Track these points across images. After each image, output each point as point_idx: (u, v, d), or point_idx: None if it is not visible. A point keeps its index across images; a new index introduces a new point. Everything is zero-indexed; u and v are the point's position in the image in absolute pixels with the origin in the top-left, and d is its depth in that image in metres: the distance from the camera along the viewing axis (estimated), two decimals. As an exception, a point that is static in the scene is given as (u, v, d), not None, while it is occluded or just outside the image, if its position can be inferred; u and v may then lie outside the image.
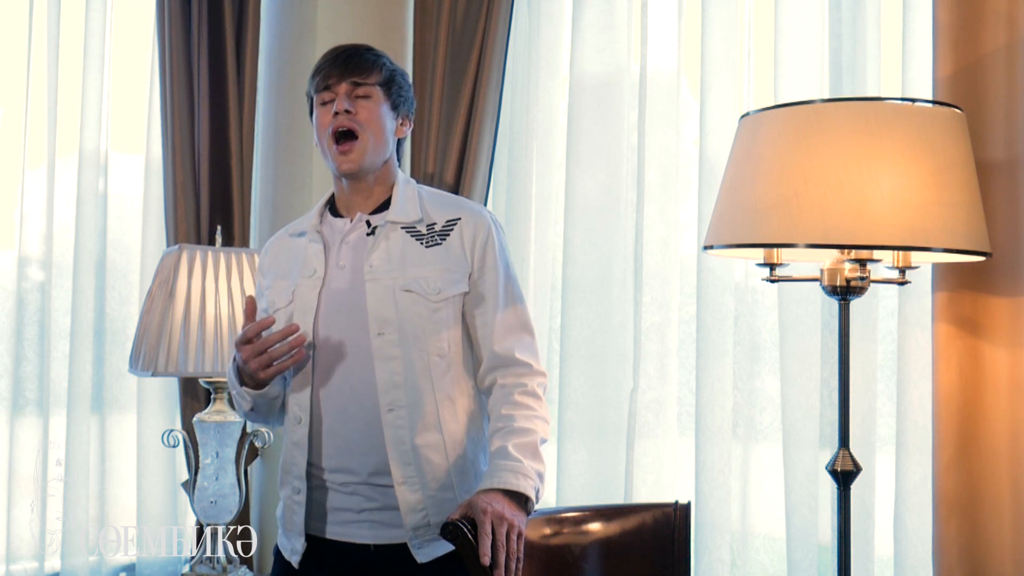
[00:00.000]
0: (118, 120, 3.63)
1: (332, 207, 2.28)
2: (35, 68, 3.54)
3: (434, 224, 2.20)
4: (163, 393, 3.55)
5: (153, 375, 2.93)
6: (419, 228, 2.19)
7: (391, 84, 2.23)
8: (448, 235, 2.18)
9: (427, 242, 2.18)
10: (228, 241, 3.50)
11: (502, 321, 2.17)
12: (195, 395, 3.44)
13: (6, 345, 3.56)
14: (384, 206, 2.22)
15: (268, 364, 2.10)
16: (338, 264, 2.19)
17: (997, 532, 2.33)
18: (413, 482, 2.11)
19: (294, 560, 2.21)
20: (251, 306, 2.14)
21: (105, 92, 3.56)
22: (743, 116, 2.26)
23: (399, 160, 2.30)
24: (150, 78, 3.59)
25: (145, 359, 2.92)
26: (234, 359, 2.18)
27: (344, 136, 2.17)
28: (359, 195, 2.23)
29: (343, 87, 2.18)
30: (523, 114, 3.32)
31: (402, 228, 2.19)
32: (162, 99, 3.50)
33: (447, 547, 2.09)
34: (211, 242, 3.42)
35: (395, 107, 2.24)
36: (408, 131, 2.29)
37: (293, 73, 3.52)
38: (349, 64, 2.20)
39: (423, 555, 2.12)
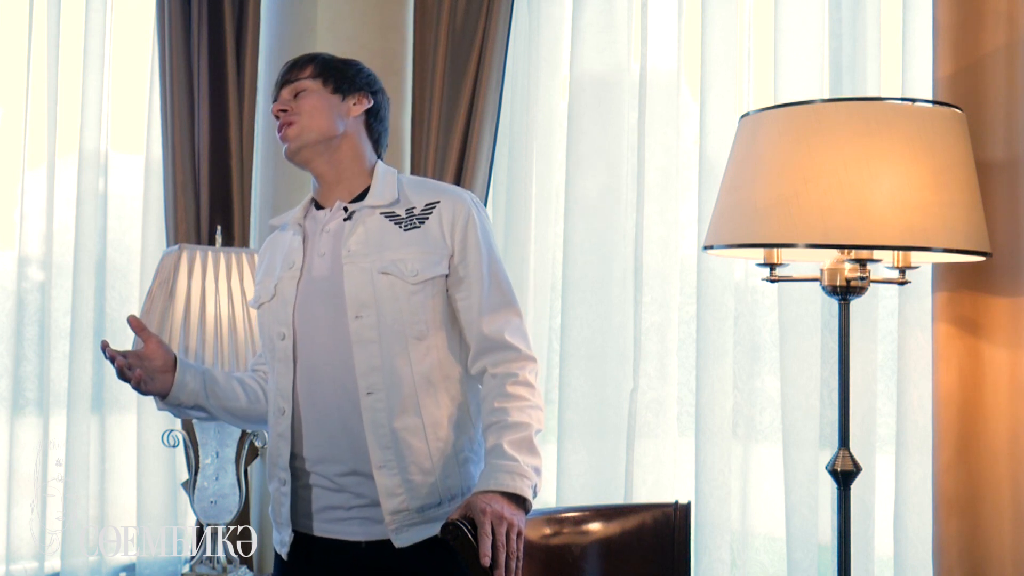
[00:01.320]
0: (118, 120, 3.64)
1: (317, 202, 2.30)
2: (35, 68, 3.54)
3: (413, 208, 2.20)
4: (163, 393, 3.54)
5: (153, 375, 2.92)
6: (397, 212, 2.20)
7: (326, 71, 2.26)
8: (427, 218, 2.18)
9: (405, 225, 2.18)
10: (228, 241, 3.50)
11: (488, 302, 2.16)
12: (195, 395, 3.44)
13: (6, 345, 3.56)
14: (363, 196, 2.24)
15: (124, 378, 2.16)
16: (318, 252, 2.21)
17: (997, 532, 2.32)
18: (391, 466, 2.11)
19: (283, 552, 2.23)
20: (134, 323, 2.21)
21: (105, 92, 3.56)
22: (743, 116, 2.26)
23: (380, 148, 2.30)
24: (150, 78, 3.59)
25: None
26: None
27: (286, 127, 2.22)
28: (327, 182, 2.25)
29: (283, 92, 2.25)
30: (523, 114, 3.32)
31: (380, 212, 2.19)
32: (162, 99, 3.50)
33: (427, 532, 2.09)
34: (211, 242, 3.42)
35: (337, 89, 2.25)
36: (369, 105, 2.28)
37: (293, 73, 3.52)
38: (283, 72, 2.28)
39: (401, 540, 2.11)
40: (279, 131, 2.23)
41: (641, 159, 3.06)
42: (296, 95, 2.23)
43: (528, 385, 2.14)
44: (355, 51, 3.50)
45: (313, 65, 2.26)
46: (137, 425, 3.54)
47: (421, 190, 2.24)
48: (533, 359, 2.17)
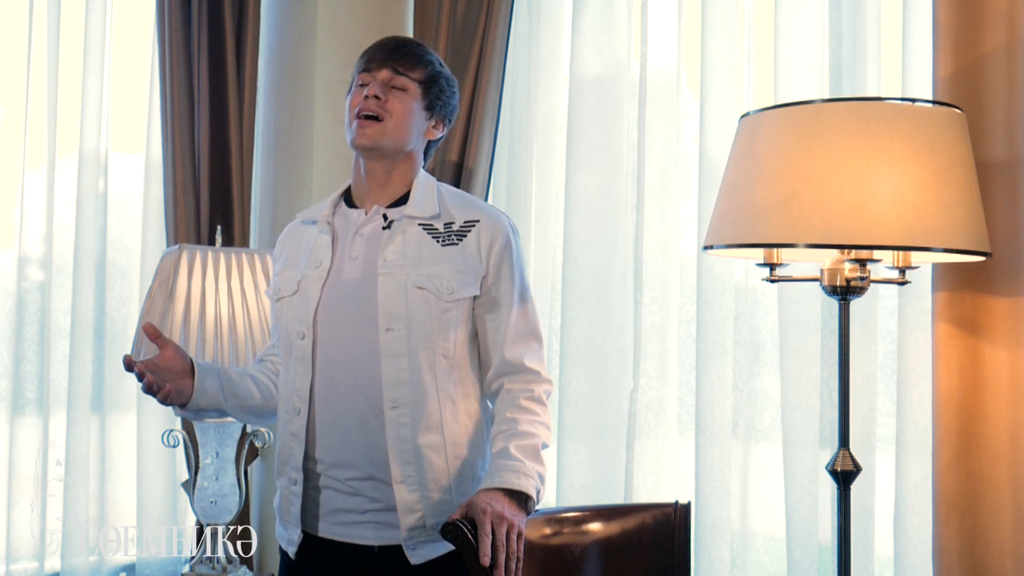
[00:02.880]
0: (118, 120, 3.64)
1: (347, 198, 2.28)
2: (35, 68, 3.55)
3: (452, 223, 2.19)
4: (163, 393, 3.54)
5: (153, 375, 2.93)
6: (436, 225, 2.18)
7: (431, 84, 2.22)
8: (465, 236, 2.18)
9: (443, 240, 2.17)
10: (228, 241, 3.50)
11: (514, 328, 2.18)
12: (195, 395, 3.44)
13: (6, 345, 3.56)
14: (401, 201, 2.22)
15: (152, 392, 2.12)
16: (350, 255, 2.18)
17: (997, 532, 2.32)
18: (412, 482, 2.11)
19: (291, 550, 2.22)
20: (150, 331, 2.15)
21: (105, 92, 3.56)
22: (743, 116, 2.25)
23: (426, 161, 2.30)
24: (150, 78, 3.60)
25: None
26: None
27: (368, 118, 2.17)
28: (375, 182, 2.22)
29: (383, 73, 2.19)
30: (523, 114, 3.32)
31: (419, 224, 2.18)
32: (162, 99, 3.50)
33: (442, 549, 2.09)
34: (211, 242, 3.42)
35: (430, 107, 2.23)
36: (440, 135, 2.28)
37: (293, 73, 3.52)
38: (395, 53, 2.21)
39: (417, 556, 2.12)
40: (357, 115, 2.17)
41: (641, 159, 3.06)
42: (392, 87, 2.19)
43: (541, 403, 2.18)
44: (355, 51, 3.50)
45: (426, 70, 2.22)
46: (137, 425, 3.54)
47: (461, 205, 2.23)
48: (549, 382, 2.22)
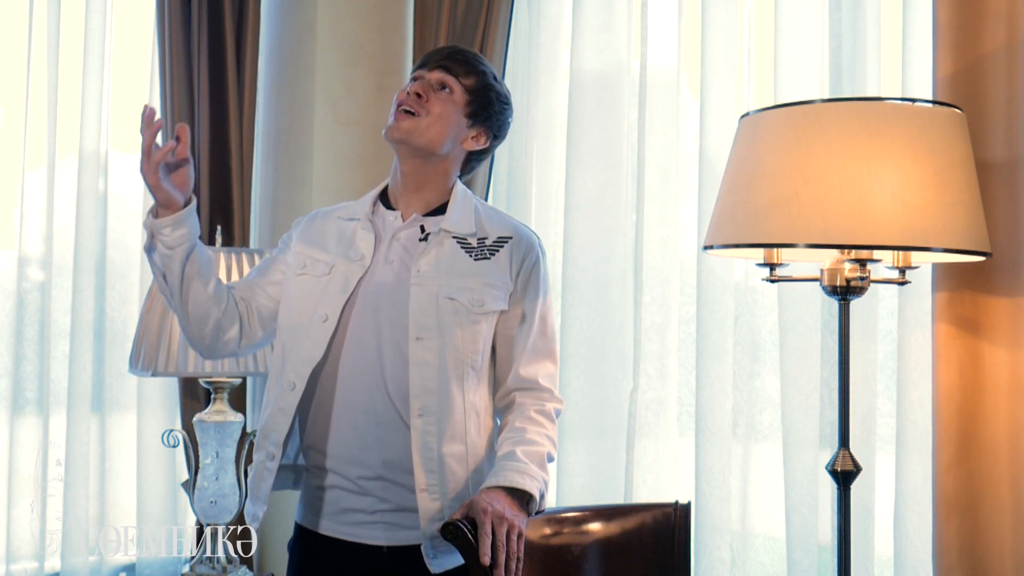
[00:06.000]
0: (118, 120, 3.63)
1: (384, 198, 2.27)
2: (35, 68, 3.55)
3: (485, 238, 2.21)
4: (163, 393, 3.55)
5: (153, 375, 2.93)
6: (470, 240, 2.20)
7: (479, 95, 2.22)
8: (497, 252, 2.20)
9: (476, 255, 2.19)
10: (228, 241, 3.50)
11: (533, 347, 2.20)
12: (195, 395, 3.44)
13: (6, 345, 3.56)
14: (438, 211, 2.22)
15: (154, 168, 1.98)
16: (386, 258, 2.19)
17: (997, 532, 2.32)
18: (435, 490, 2.11)
19: (254, 526, 2.24)
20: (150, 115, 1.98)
21: (105, 92, 3.56)
22: (743, 116, 2.25)
23: (463, 173, 2.29)
24: (150, 78, 3.60)
25: (145, 359, 2.92)
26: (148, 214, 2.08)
27: (405, 113, 2.17)
28: (410, 184, 2.22)
29: (434, 74, 2.20)
30: (523, 114, 3.32)
31: (453, 237, 2.19)
32: (162, 99, 3.50)
33: (460, 559, 2.09)
34: (211, 242, 3.42)
35: (472, 116, 2.21)
36: (480, 147, 2.25)
37: (293, 73, 3.52)
38: (451, 57, 2.22)
39: (436, 565, 2.12)
40: (399, 107, 2.17)
41: (641, 159, 3.06)
42: (440, 87, 2.19)
43: (550, 418, 2.19)
44: (355, 51, 3.51)
45: (477, 80, 2.21)
46: (137, 425, 3.54)
47: (495, 221, 2.25)
48: (561, 401, 2.23)
